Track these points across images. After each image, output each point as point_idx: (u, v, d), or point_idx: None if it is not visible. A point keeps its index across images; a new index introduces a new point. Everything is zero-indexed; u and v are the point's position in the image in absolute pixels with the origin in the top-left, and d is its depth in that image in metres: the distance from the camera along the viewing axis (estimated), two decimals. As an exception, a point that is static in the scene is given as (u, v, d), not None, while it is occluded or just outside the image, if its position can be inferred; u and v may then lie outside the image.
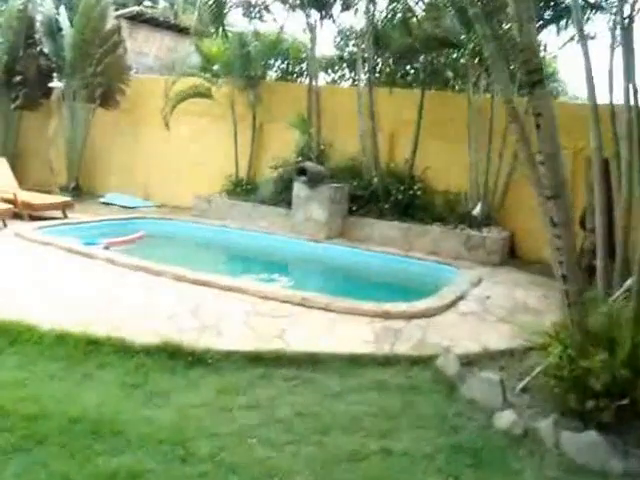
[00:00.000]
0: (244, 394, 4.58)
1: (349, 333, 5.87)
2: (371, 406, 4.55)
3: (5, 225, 9.70)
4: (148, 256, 8.49)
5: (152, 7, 18.03)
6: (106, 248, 8.48)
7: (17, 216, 10.11)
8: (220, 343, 5.31)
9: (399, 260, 9.42)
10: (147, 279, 7.10)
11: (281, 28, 12.42)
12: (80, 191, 13.38)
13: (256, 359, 5.12)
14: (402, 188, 10.36)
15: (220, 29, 11.10)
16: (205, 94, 11.63)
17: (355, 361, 5.25)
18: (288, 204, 10.72)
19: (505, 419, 4.30)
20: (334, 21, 11.84)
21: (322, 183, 10.24)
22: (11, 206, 9.78)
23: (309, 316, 6.28)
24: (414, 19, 10.74)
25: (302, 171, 10.19)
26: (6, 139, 14.44)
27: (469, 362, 5.31)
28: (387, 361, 5.31)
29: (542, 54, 9.61)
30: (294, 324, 5.99)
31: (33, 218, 10.40)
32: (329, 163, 11.02)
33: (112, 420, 3.97)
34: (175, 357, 5.04)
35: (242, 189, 11.65)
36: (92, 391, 4.44)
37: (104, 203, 12.81)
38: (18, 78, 13.37)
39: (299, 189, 10.33)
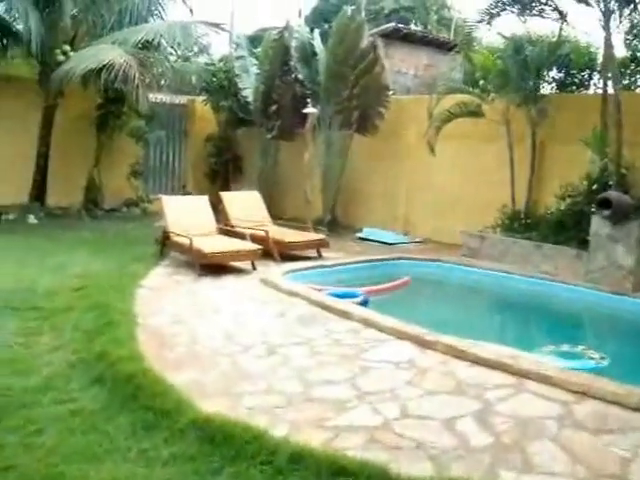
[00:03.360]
0: None
1: None
2: None
3: (254, 268, 8.78)
4: (410, 310, 6.97)
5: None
6: (363, 303, 7.02)
7: (268, 254, 9.19)
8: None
9: None
10: (412, 352, 5.44)
11: (562, 24, 10.12)
12: (336, 225, 12.35)
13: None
14: None
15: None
16: (476, 112, 9.83)
17: None
18: (579, 244, 8.51)
19: None
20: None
21: (629, 218, 7.91)
22: (261, 247, 8.82)
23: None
24: None
25: (605, 202, 7.92)
26: (264, 170, 13.98)
27: None
28: None
29: None
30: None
31: (285, 257, 9.44)
32: (635, 191, 8.59)
33: None
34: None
35: (520, 224, 9.61)
36: None
37: (361, 238, 11.60)
38: (274, 107, 12.76)
39: (599, 226, 8.03)
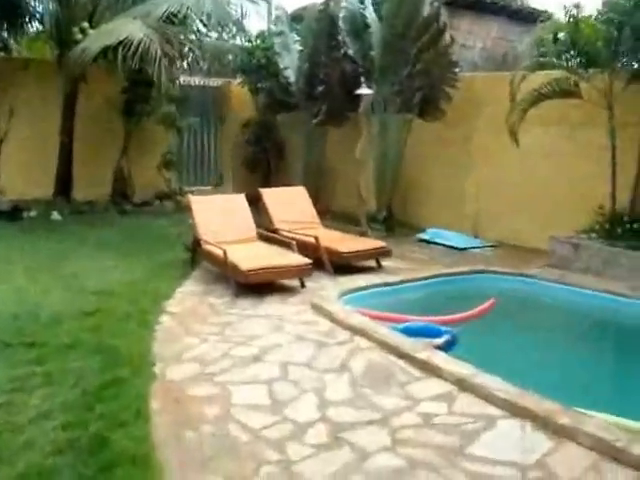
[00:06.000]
0: None
1: None
2: None
3: (303, 285, 7.13)
4: (503, 351, 5.29)
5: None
6: (450, 344, 5.27)
7: (317, 260, 7.54)
8: None
9: None
10: (540, 444, 3.69)
11: None
12: (393, 223, 10.60)
13: None
14: None
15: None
16: (572, 92, 7.90)
17: None
18: None
19: None
20: None
21: None
22: (311, 262, 7.14)
23: None
24: None
25: None
26: (309, 160, 12.26)
27: None
28: None
29: None
30: None
31: (338, 266, 7.77)
32: None
33: None
34: None
35: (624, 229, 7.71)
36: None
37: (423, 241, 9.83)
38: (320, 88, 11.00)
39: None
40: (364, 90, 9.80)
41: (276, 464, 3.46)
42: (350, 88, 10.34)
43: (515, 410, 3.97)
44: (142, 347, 5.21)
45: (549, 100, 8.16)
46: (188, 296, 6.85)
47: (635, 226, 7.62)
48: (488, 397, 4.15)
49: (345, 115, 11.08)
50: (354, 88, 10.06)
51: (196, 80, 13.90)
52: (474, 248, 9.28)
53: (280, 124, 13.48)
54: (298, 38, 12.50)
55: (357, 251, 7.90)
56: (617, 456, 3.48)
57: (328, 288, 7.05)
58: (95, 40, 10.08)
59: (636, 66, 7.82)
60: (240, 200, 8.48)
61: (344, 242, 8.17)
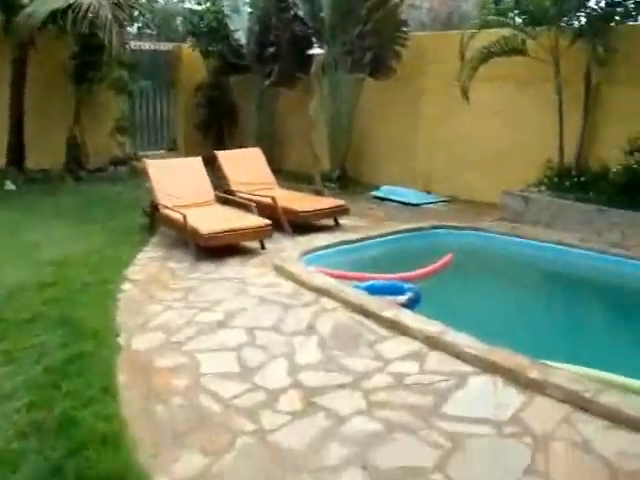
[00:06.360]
0: None
1: None
2: None
3: (263, 247, 6.84)
4: (463, 306, 5.16)
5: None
6: (414, 301, 5.08)
7: (276, 222, 7.22)
8: None
9: None
10: (513, 399, 3.55)
11: None
12: (346, 181, 10.33)
13: None
14: None
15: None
16: (520, 50, 7.68)
17: None
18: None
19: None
20: None
21: None
22: (271, 223, 6.84)
23: None
24: None
25: None
26: (261, 122, 11.83)
27: None
28: None
29: None
30: None
31: (296, 226, 7.49)
32: None
33: None
34: None
35: (572, 183, 7.60)
36: None
37: (377, 198, 9.60)
38: (271, 50, 10.54)
39: None
40: (315, 50, 9.41)
41: (251, 435, 3.23)
42: (301, 49, 9.92)
43: (485, 366, 3.80)
44: (105, 318, 4.86)
45: (498, 58, 7.94)
46: (149, 262, 6.48)
47: (582, 179, 7.53)
48: (458, 354, 3.97)
49: (297, 76, 10.66)
50: (305, 49, 9.66)
51: (147, 44, 13.19)
52: (428, 204, 9.10)
53: (232, 86, 12.95)
54: (248, 0, 11.93)
55: (315, 210, 7.62)
56: (587, 406, 3.37)
57: (289, 249, 6.77)
58: (42, 4, 9.34)
59: (581, 23, 7.62)
60: (197, 163, 8.06)
61: (301, 202, 7.87)
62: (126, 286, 5.69)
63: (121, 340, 4.44)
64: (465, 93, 7.85)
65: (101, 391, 3.57)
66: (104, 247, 7.03)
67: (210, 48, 12.56)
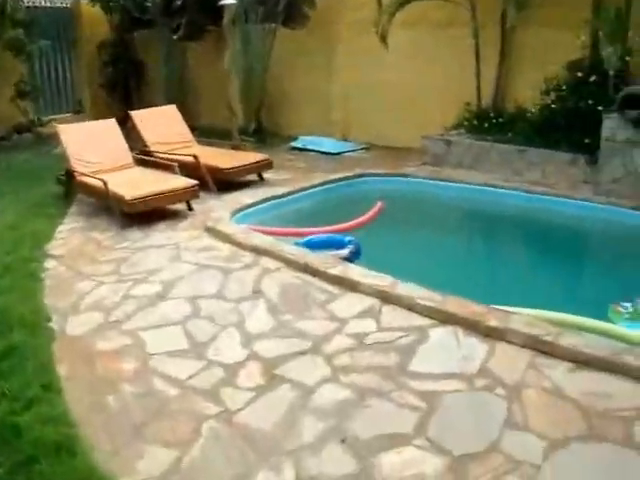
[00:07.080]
0: None
1: None
2: None
3: (190, 208, 6.35)
4: (403, 254, 4.97)
5: None
6: (355, 254, 4.82)
7: (200, 181, 6.66)
8: None
9: None
10: (475, 348, 3.41)
11: None
12: (263, 134, 9.85)
13: None
14: None
15: None
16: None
17: None
18: (571, 147, 6.48)
19: None
20: None
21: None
22: (197, 183, 6.34)
23: None
24: None
25: (629, 100, 5.85)
26: (170, 78, 11.09)
27: None
28: None
29: None
30: None
31: (220, 183, 7.01)
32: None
33: None
34: None
35: (490, 124, 7.47)
36: None
37: (296, 149, 9.19)
38: (178, 2, 9.76)
39: (615, 128, 5.93)
40: (227, 1, 8.73)
41: (216, 418, 2.90)
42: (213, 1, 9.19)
43: (443, 317, 3.61)
44: (32, 302, 4.31)
45: (415, 2, 7.60)
46: (71, 235, 5.87)
47: (501, 120, 7.41)
48: (413, 307, 3.76)
49: (207, 29, 9.95)
50: (215, 0, 8.96)
51: (42, 1, 11.93)
52: (348, 152, 8.80)
53: (137, 42, 12.01)
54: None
55: (239, 166, 7.14)
56: (549, 350, 3.24)
57: (217, 208, 6.31)
58: None
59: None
60: (112, 125, 7.35)
61: (224, 158, 7.37)
62: (50, 263, 5.11)
63: (54, 325, 3.95)
64: (384, 39, 7.50)
65: (42, 389, 3.10)
66: (19, 222, 6.30)
67: (111, 3, 11.54)
